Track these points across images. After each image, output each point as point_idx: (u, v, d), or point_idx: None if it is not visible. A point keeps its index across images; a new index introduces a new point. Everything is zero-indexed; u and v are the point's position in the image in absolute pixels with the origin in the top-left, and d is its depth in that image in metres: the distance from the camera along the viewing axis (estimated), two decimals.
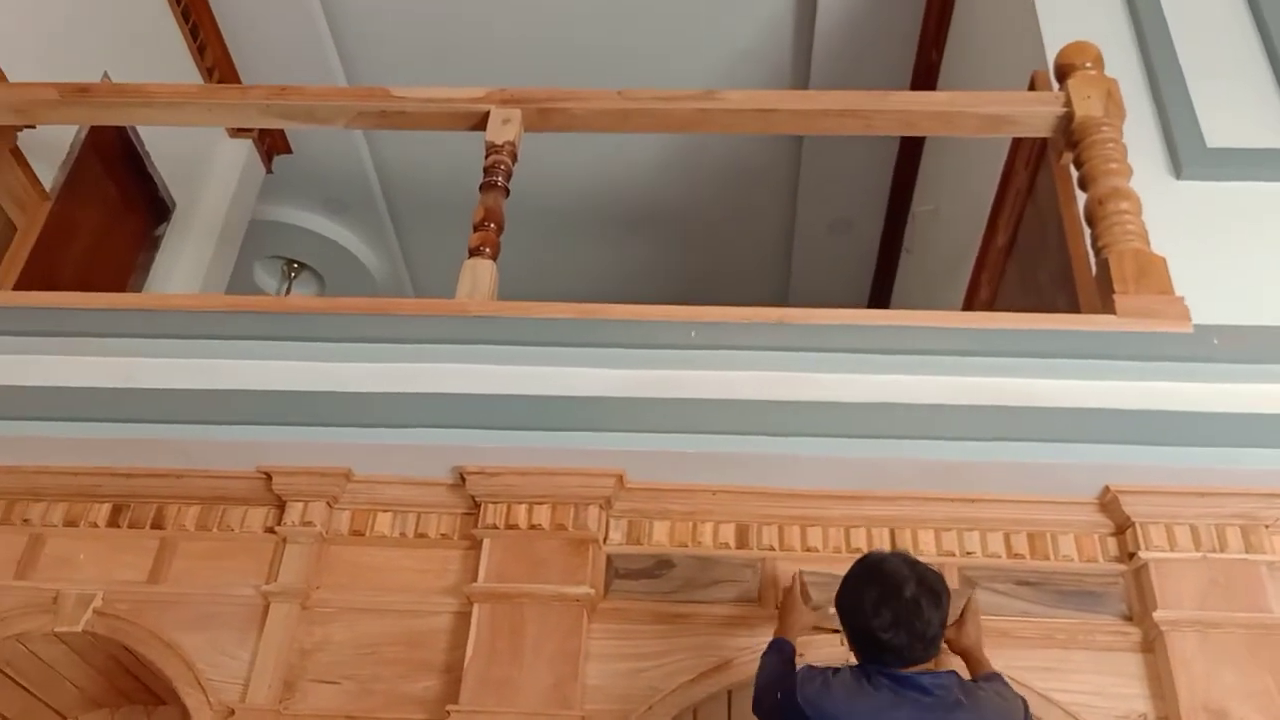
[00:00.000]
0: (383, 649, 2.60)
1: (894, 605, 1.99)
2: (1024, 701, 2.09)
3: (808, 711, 1.98)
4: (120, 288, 4.68)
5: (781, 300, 6.08)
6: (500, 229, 3.07)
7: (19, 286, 3.66)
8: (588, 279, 5.83)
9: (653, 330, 2.75)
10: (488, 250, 3.00)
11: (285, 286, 7.16)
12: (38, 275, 3.83)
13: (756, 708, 2.17)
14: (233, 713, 2.51)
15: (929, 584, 2.04)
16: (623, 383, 2.67)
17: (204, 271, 5.26)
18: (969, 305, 4.45)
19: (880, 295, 6.14)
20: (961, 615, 2.39)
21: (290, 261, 7.03)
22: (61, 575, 2.75)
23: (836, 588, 2.17)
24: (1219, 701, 2.37)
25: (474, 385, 2.68)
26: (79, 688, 2.92)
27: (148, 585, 2.72)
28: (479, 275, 2.92)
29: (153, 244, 5.07)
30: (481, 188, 3.12)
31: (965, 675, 2.16)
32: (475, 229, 3.05)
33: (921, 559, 2.52)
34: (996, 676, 2.19)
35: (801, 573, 2.49)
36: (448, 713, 2.43)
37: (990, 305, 4.29)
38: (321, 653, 2.61)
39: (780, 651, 2.28)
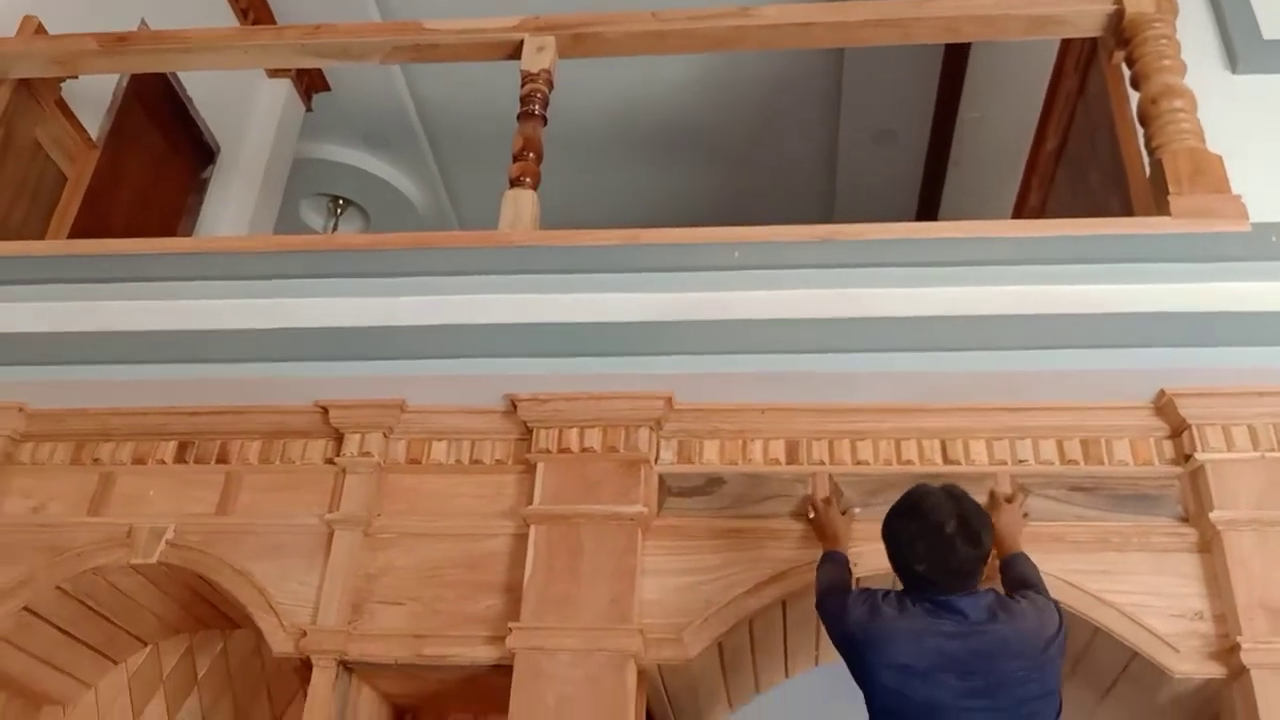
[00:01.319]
0: (444, 571, 2.67)
1: (930, 541, 2.04)
2: (1057, 605, 2.13)
3: (857, 634, 2.08)
4: (170, 231, 4.75)
5: (827, 217, 6.00)
6: (539, 158, 3.06)
7: (73, 235, 3.73)
8: (629, 204, 5.77)
9: (696, 253, 2.75)
10: (528, 180, 3.00)
11: (332, 223, 7.21)
12: (90, 223, 3.89)
13: (819, 607, 2.25)
14: (305, 634, 2.61)
15: (969, 523, 2.07)
16: (668, 306, 2.68)
17: (251, 212, 5.31)
18: (1019, 213, 4.37)
19: (928, 208, 6.03)
20: (995, 495, 2.48)
21: (335, 198, 7.07)
22: (133, 511, 2.85)
23: (865, 486, 2.25)
24: (1277, 599, 2.36)
25: (521, 315, 2.71)
26: (156, 615, 3.05)
27: (216, 517, 2.82)
28: (520, 206, 2.93)
29: (200, 187, 5.12)
30: (519, 117, 3.10)
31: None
32: (515, 159, 3.05)
33: (973, 469, 2.57)
34: (1022, 556, 2.28)
35: (832, 477, 2.55)
36: (510, 629, 2.50)
37: (1040, 212, 4.21)
38: (386, 576, 2.69)
39: (834, 560, 2.36)
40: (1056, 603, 2.16)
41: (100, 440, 2.94)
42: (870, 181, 5.86)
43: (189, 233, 4.91)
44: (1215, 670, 2.35)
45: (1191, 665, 2.36)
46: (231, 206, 5.23)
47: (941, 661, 1.98)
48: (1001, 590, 2.21)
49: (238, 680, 3.06)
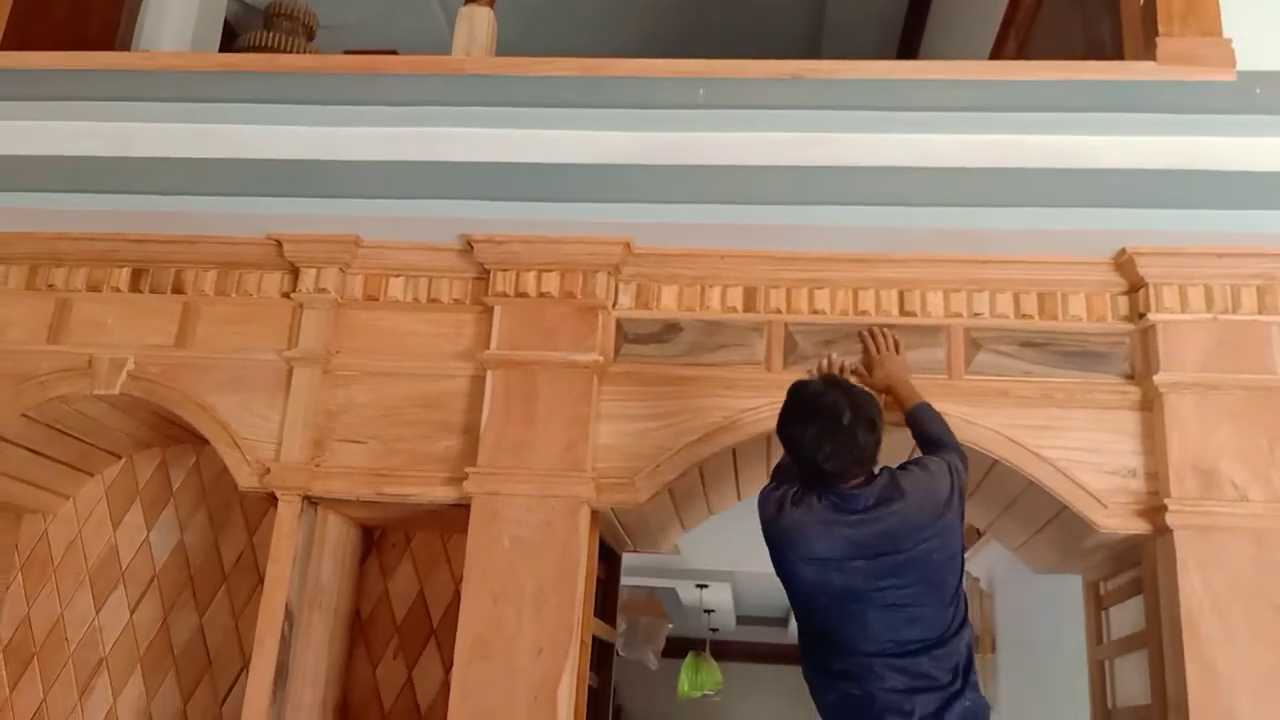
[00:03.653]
0: (404, 410, 2.72)
1: (832, 437, 2.07)
2: (949, 466, 2.19)
3: (764, 529, 2.18)
4: (117, 6, 4.47)
5: (816, 33, 5.62)
6: None
7: (7, 36, 3.50)
8: (598, 35, 5.37)
9: (659, 88, 2.63)
10: None
11: None
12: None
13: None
14: (269, 470, 2.68)
15: (863, 410, 2.11)
16: (628, 147, 2.59)
17: None
18: (1012, 13, 4.15)
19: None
20: (867, 352, 2.52)
21: None
22: (92, 339, 2.85)
23: (820, 335, 2.42)
24: (1210, 460, 2.44)
25: (475, 153, 2.62)
26: (127, 434, 3.11)
27: (176, 349, 2.83)
28: (476, 26, 2.76)
29: None
30: None
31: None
32: None
33: (929, 320, 2.59)
34: (924, 407, 2.36)
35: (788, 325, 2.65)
36: (466, 474, 2.58)
37: (1035, 11, 4.00)
38: (347, 414, 2.74)
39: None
40: (951, 463, 2.20)
41: (52, 265, 2.90)
42: None
43: (136, 6, 4.63)
44: (1140, 527, 2.46)
45: (1118, 521, 2.47)
46: None
47: (851, 550, 2.08)
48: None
49: (211, 495, 3.17)
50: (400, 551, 3.09)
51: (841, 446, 2.07)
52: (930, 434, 2.34)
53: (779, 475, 2.28)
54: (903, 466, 2.20)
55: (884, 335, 2.57)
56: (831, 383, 2.18)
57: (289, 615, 2.63)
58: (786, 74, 2.62)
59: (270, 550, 2.66)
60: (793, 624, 11.28)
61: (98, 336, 2.86)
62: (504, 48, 2.81)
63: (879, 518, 2.09)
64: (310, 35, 5.64)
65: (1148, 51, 2.60)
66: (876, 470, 2.16)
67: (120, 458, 3.25)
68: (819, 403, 2.11)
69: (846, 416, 2.07)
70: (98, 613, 3.12)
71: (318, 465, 2.69)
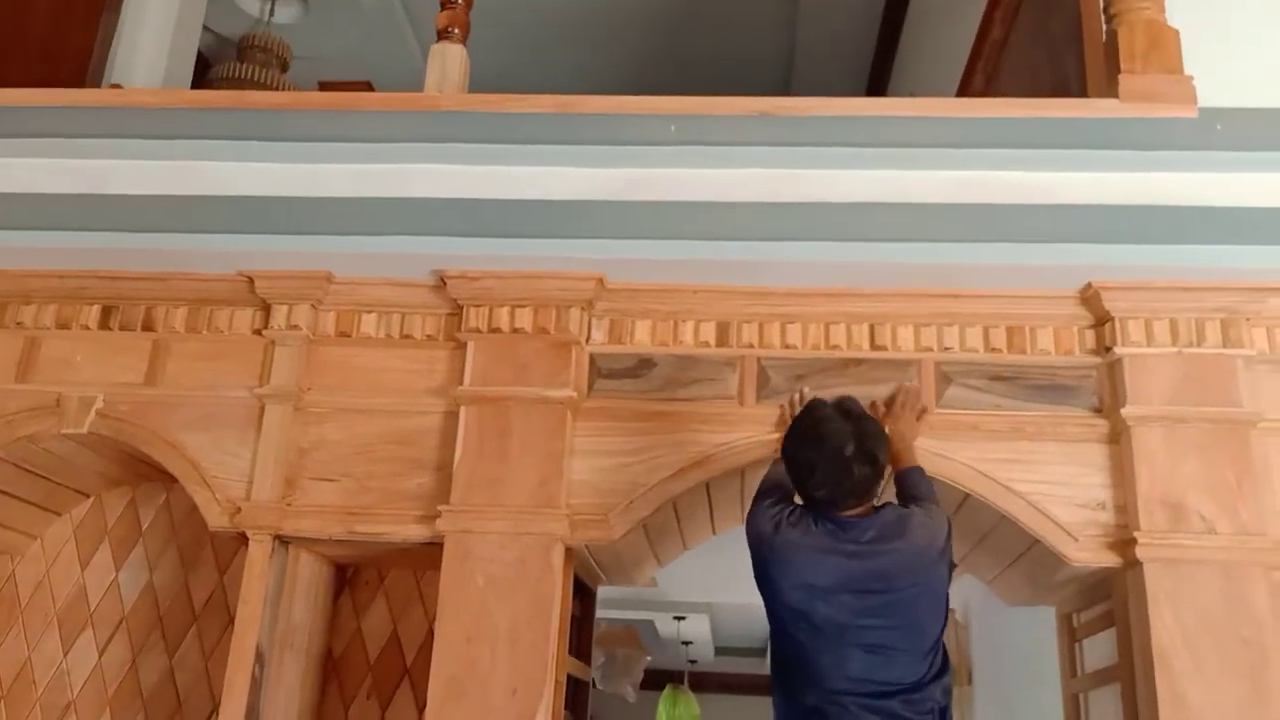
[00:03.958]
0: (376, 448, 2.71)
1: (829, 467, 2.07)
2: (949, 522, 2.20)
3: (753, 545, 2.16)
4: (91, 34, 4.45)
5: (788, 65, 5.67)
6: (469, 4, 2.88)
7: None
8: (570, 75, 5.41)
9: (632, 125, 2.65)
10: (457, 31, 2.84)
11: (267, 8, 6.82)
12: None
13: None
14: (239, 509, 2.66)
15: (865, 443, 2.09)
16: (601, 183, 2.61)
17: (177, 4, 4.97)
18: (980, 44, 4.21)
19: (893, 20, 5.75)
20: (892, 401, 2.45)
21: None
22: (61, 378, 2.83)
23: (792, 370, 2.46)
24: (1178, 493, 2.46)
25: (448, 189, 2.62)
26: (97, 472, 3.08)
27: (146, 387, 2.81)
28: (449, 63, 2.78)
29: None
30: None
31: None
32: (443, 6, 2.87)
33: (900, 355, 2.60)
34: (918, 470, 2.32)
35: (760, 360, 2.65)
36: (439, 512, 2.56)
37: (1002, 46, 4.07)
38: (318, 451, 2.72)
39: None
40: (949, 520, 2.21)
41: (21, 303, 2.88)
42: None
43: (111, 31, 4.62)
44: (1111, 560, 2.48)
45: (1089, 554, 2.49)
46: (156, 3, 4.89)
47: (841, 580, 2.07)
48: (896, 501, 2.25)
49: (181, 533, 3.14)
50: (374, 589, 3.06)
51: (835, 476, 2.07)
52: (916, 496, 2.31)
53: (773, 492, 2.25)
54: (905, 506, 2.20)
55: (914, 396, 2.48)
56: (843, 410, 2.14)
57: (260, 657, 2.60)
58: (756, 111, 2.65)
59: (241, 591, 2.63)
60: None
61: (67, 375, 2.84)
62: (480, 83, 2.82)
63: (876, 553, 2.08)
64: (284, 67, 5.64)
65: (1111, 89, 2.64)
66: (878, 503, 2.15)
67: (89, 496, 3.21)
68: (823, 428, 2.10)
69: (849, 448, 2.06)
70: (66, 655, 3.07)
71: (289, 504, 2.67)
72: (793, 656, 2.15)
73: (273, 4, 6.80)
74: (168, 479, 3.12)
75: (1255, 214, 2.49)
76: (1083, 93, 2.83)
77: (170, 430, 2.76)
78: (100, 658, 3.06)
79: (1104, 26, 2.79)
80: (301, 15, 6.71)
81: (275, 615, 2.68)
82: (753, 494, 2.33)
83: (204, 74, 5.27)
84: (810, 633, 2.08)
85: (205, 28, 5.43)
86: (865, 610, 2.05)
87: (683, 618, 8.08)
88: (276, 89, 5.20)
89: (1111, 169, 2.55)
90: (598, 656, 7.75)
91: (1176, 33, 2.66)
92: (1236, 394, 2.52)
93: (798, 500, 2.19)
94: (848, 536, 2.09)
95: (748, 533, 2.18)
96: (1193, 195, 2.52)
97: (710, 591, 6.72)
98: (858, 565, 2.07)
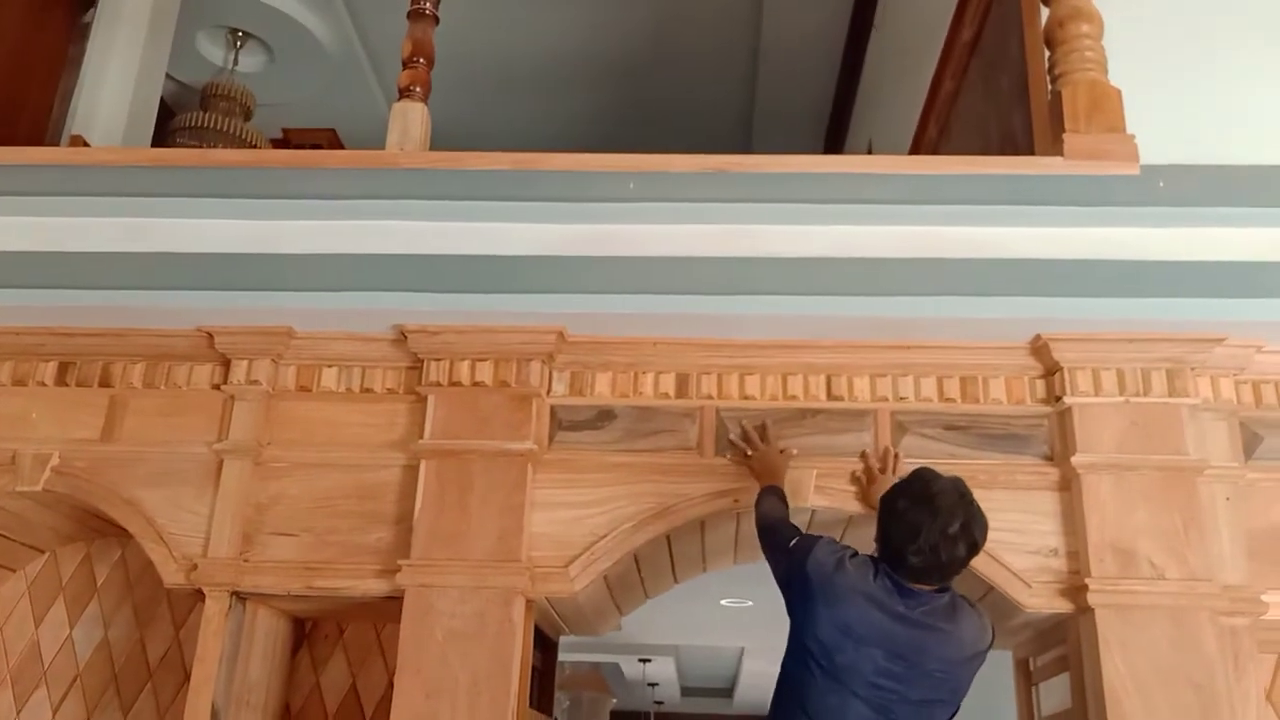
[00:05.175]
0: (336, 502, 2.70)
1: (934, 537, 2.06)
2: (993, 628, 2.23)
3: (810, 571, 2.15)
4: (52, 87, 4.46)
5: (748, 116, 5.77)
6: (431, 64, 2.92)
7: None
8: (536, 124, 5.50)
9: (591, 182, 2.69)
10: (419, 90, 2.87)
11: (231, 56, 6.84)
12: None
13: (764, 538, 2.33)
14: (196, 567, 2.64)
15: (971, 528, 2.10)
16: (560, 239, 2.64)
17: (139, 56, 4.98)
18: (933, 98, 4.32)
19: (851, 69, 5.88)
20: (883, 468, 2.54)
21: (235, 31, 6.66)
22: (16, 434, 2.81)
23: (751, 420, 2.51)
24: (1128, 540, 2.51)
25: (409, 245, 2.65)
26: (51, 528, 3.05)
27: (102, 444, 2.79)
28: (410, 121, 2.81)
29: (82, 34, 4.77)
30: (409, 16, 2.94)
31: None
32: (405, 65, 2.90)
33: (856, 405, 2.64)
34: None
35: (720, 411, 2.69)
36: (399, 566, 2.56)
37: (954, 99, 4.17)
38: (277, 506, 2.72)
39: (777, 492, 2.43)
40: (993, 627, 2.24)
41: None
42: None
43: (71, 85, 4.62)
44: (1064, 606, 2.52)
45: (1042, 601, 2.53)
46: (118, 52, 4.88)
47: (880, 638, 2.08)
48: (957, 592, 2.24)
49: (137, 589, 3.10)
50: (332, 643, 3.04)
51: (937, 549, 2.06)
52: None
53: (792, 529, 2.28)
54: (968, 601, 2.21)
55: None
56: (960, 491, 2.14)
57: (215, 715, 2.57)
58: (713, 168, 2.70)
59: (197, 648, 2.61)
60: (738, 694, 11.18)
61: (22, 431, 2.82)
62: (441, 128, 2.85)
63: (923, 627, 2.10)
64: (248, 115, 5.64)
65: (1056, 146, 2.72)
66: (945, 588, 2.16)
67: (43, 552, 3.17)
68: (939, 501, 2.09)
69: (955, 526, 2.06)
70: (19, 712, 3.01)
71: (247, 559, 2.66)
72: (799, 687, 2.16)
73: (237, 52, 6.83)
74: (123, 534, 3.09)
75: (1198, 267, 2.57)
76: (1030, 147, 2.91)
77: (127, 487, 2.74)
78: (54, 715, 3.01)
79: (1049, 86, 2.87)
80: (266, 63, 6.74)
81: (231, 673, 2.65)
82: (753, 532, 2.39)
83: (167, 122, 5.28)
84: (826, 671, 2.10)
85: (168, 76, 5.43)
86: (887, 672, 2.08)
87: (648, 660, 8.05)
88: (240, 137, 5.22)
89: (1058, 224, 2.62)
90: (563, 700, 7.69)
91: (1119, 92, 2.75)
92: (1183, 442, 2.58)
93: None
94: (904, 602, 2.10)
95: (801, 559, 2.17)
96: (1137, 249, 2.59)
97: (676, 634, 6.72)
98: (901, 631, 2.09)
